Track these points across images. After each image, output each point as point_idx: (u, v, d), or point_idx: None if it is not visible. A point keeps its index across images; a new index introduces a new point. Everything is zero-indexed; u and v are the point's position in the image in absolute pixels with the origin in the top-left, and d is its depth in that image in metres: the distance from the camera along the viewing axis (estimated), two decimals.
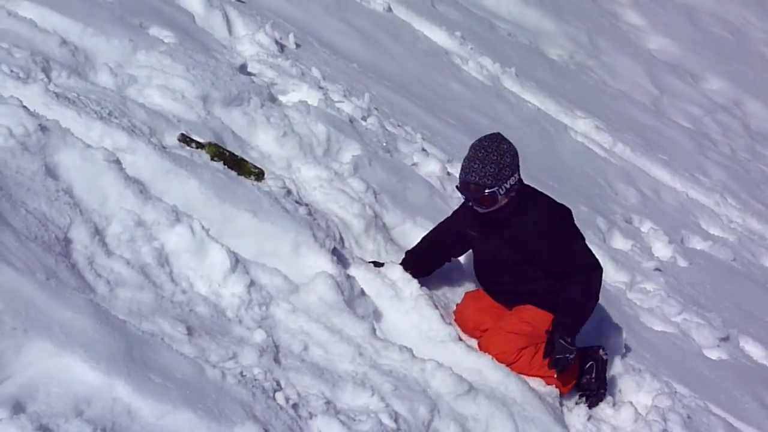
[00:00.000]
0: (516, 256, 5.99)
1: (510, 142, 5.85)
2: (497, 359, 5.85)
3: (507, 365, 5.85)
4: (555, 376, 6.00)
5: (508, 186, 5.76)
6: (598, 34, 17.90)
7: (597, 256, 6.09)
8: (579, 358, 6.18)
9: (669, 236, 10.26)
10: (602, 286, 6.10)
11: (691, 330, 8.13)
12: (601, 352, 6.31)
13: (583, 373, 6.21)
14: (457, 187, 5.96)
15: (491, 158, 5.72)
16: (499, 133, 5.91)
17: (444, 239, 6.34)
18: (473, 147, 5.82)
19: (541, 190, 6.18)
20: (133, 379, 3.56)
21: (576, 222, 6.08)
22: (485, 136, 5.88)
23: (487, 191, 5.74)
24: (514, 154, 5.80)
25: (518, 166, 5.83)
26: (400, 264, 6.14)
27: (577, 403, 6.17)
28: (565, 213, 6.04)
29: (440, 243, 6.36)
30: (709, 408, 6.82)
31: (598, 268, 6.01)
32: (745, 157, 15.37)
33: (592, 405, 6.21)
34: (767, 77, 19.36)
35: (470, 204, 5.91)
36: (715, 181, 13.25)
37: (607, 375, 6.36)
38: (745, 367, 8.02)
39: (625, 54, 17.63)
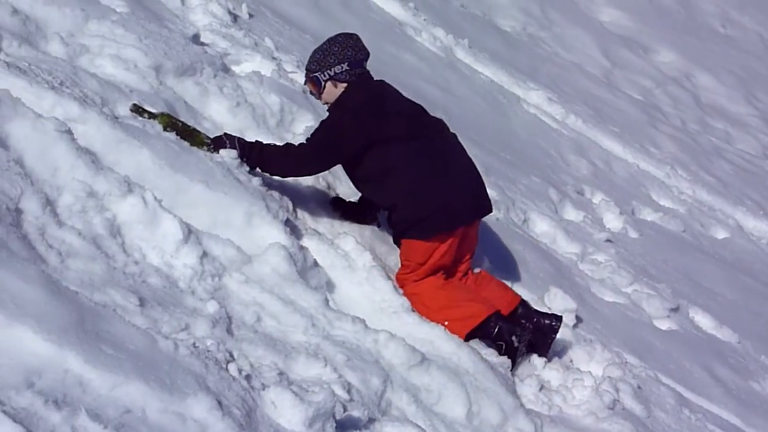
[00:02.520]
0: None
1: (349, 38, 6.04)
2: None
3: (426, 313, 5.90)
4: (446, 323, 5.93)
5: (332, 73, 5.95)
6: (550, 5, 17.89)
7: (323, 163, 6.11)
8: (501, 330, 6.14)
9: (620, 207, 10.32)
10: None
11: (641, 301, 8.20)
12: (540, 323, 6.27)
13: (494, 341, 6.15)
14: None
15: (322, 47, 6.03)
16: (350, 33, 6.11)
17: None
18: None
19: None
20: (84, 350, 3.54)
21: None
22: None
23: (310, 75, 6.02)
24: (348, 47, 5.97)
25: (354, 59, 5.97)
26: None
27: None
28: (350, 112, 5.95)
29: None
30: (659, 378, 6.90)
31: (304, 158, 6.00)
32: (696, 129, 15.47)
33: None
34: (717, 50, 19.47)
35: None
36: (665, 153, 13.32)
37: (517, 359, 6.16)
38: (694, 337, 8.11)
39: (577, 26, 17.65)
